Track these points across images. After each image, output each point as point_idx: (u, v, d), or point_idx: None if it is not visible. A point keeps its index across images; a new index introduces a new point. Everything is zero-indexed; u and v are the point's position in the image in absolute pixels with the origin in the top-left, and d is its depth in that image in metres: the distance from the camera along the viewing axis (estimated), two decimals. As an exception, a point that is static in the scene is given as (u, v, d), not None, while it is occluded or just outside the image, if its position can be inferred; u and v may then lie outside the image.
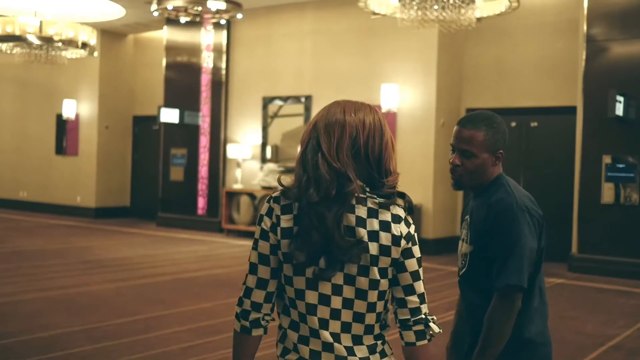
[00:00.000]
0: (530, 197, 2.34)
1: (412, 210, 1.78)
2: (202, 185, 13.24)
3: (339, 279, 1.71)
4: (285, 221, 1.73)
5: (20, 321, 5.96)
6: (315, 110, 11.47)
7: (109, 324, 5.95)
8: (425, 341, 1.76)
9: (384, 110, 10.58)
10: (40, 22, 10.53)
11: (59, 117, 15.44)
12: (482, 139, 2.29)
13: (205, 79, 13.24)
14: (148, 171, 14.90)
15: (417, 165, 10.64)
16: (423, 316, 1.76)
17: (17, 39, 10.55)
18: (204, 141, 13.25)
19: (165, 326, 5.92)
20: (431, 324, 1.77)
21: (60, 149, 15.65)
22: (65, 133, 15.49)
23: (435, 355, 1.88)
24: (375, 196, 1.73)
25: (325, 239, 1.67)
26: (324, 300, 1.72)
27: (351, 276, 1.71)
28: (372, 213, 1.71)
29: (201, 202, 13.23)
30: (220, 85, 13.11)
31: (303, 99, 12.04)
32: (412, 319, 1.75)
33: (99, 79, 14.86)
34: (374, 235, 1.70)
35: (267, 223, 1.75)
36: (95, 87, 14.93)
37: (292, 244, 1.70)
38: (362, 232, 1.69)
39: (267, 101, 12.53)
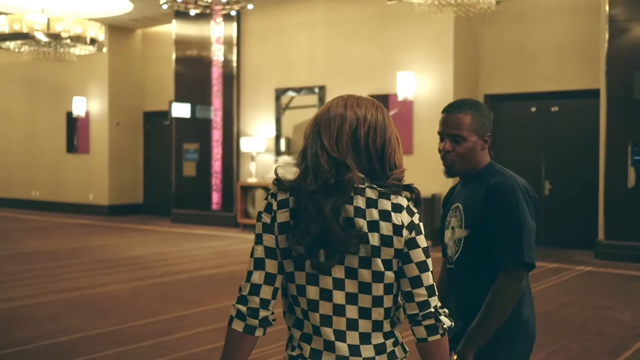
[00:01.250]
0: (526, 181, 2.37)
1: (419, 202, 1.73)
2: (216, 180, 13.05)
3: (339, 272, 1.66)
4: (282, 215, 1.69)
5: (39, 325, 5.79)
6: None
7: (130, 325, 5.77)
8: (438, 336, 1.70)
9: (400, 99, 10.35)
10: (48, 19, 10.37)
11: (69, 114, 15.29)
12: (470, 122, 2.33)
13: (216, 72, 13.03)
14: (160, 167, 14.73)
15: (435, 154, 10.24)
16: (432, 310, 1.69)
17: (25, 36, 10.40)
18: (217, 135, 13.05)
19: (188, 327, 5.74)
20: (442, 317, 1.70)
21: (71, 147, 15.51)
22: (75, 131, 15.35)
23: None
24: (376, 186, 1.68)
25: (323, 229, 1.62)
26: (326, 295, 1.67)
27: (352, 269, 1.65)
28: (371, 203, 1.66)
29: (215, 197, 13.06)
30: (231, 78, 12.91)
31: (317, 90, 11.82)
32: (420, 314, 1.68)
33: (108, 75, 14.70)
34: (374, 226, 1.65)
35: (266, 218, 1.72)
36: (104, 84, 14.77)
37: (291, 237, 1.66)
38: (361, 223, 1.65)
39: (280, 93, 12.32)
